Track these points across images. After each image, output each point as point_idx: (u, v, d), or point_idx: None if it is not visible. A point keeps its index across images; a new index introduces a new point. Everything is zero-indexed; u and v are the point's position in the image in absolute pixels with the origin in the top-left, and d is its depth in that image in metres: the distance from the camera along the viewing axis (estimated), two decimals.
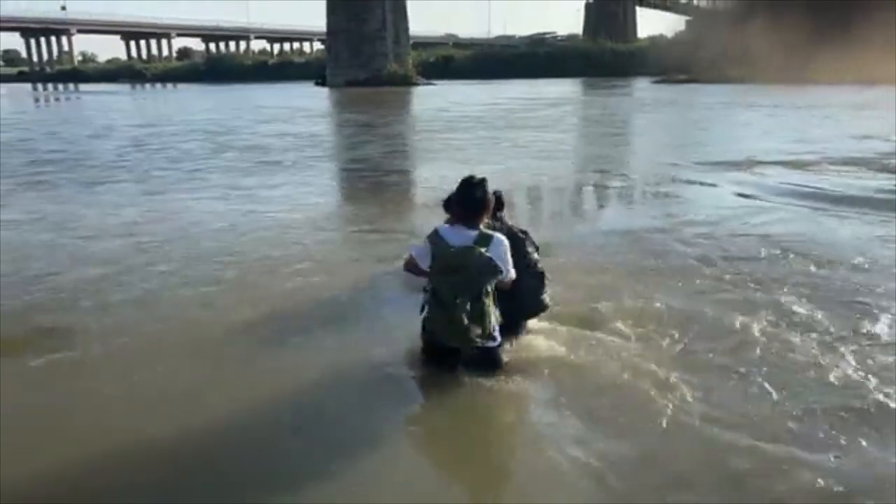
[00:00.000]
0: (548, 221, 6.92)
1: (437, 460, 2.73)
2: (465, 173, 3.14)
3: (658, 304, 4.02)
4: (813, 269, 4.78)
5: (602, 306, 3.94)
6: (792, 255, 5.12)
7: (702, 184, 8.67)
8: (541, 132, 16.27)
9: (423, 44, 77.91)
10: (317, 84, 57.66)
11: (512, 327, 3.33)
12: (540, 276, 3.46)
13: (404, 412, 2.97)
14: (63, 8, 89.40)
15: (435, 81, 57.08)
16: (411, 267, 3.13)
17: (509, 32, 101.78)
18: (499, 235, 3.05)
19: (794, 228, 6.08)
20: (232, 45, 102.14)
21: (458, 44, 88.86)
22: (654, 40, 70.64)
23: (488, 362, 3.11)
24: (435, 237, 3.03)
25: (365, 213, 7.39)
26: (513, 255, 3.09)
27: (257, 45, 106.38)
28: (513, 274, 3.08)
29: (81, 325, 3.94)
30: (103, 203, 7.80)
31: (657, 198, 8.14)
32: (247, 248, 5.62)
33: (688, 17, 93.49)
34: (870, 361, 3.26)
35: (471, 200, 3.01)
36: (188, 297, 4.39)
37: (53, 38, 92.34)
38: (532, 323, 3.54)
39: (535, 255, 3.47)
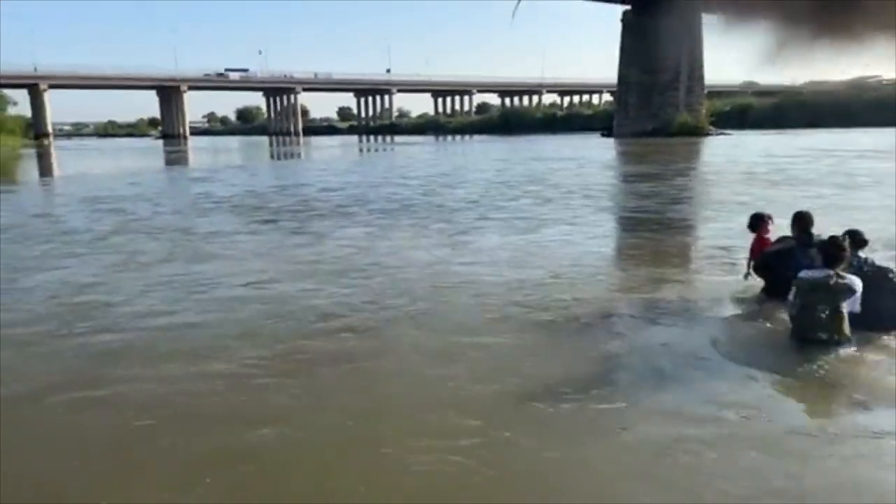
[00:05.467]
0: None
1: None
2: None
3: None
4: None
5: None
6: None
7: None
8: (853, 190, 14.27)
9: (719, 93, 73.74)
10: (603, 135, 58.23)
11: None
12: None
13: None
14: (388, 70, 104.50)
15: (729, 132, 53.66)
16: None
17: (819, 78, 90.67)
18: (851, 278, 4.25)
19: None
20: (525, 98, 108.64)
21: (759, 92, 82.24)
22: None
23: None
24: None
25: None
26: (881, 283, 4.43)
27: (549, 98, 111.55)
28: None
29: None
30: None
31: None
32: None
33: None
34: None
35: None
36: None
37: (378, 97, 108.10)
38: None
39: None
